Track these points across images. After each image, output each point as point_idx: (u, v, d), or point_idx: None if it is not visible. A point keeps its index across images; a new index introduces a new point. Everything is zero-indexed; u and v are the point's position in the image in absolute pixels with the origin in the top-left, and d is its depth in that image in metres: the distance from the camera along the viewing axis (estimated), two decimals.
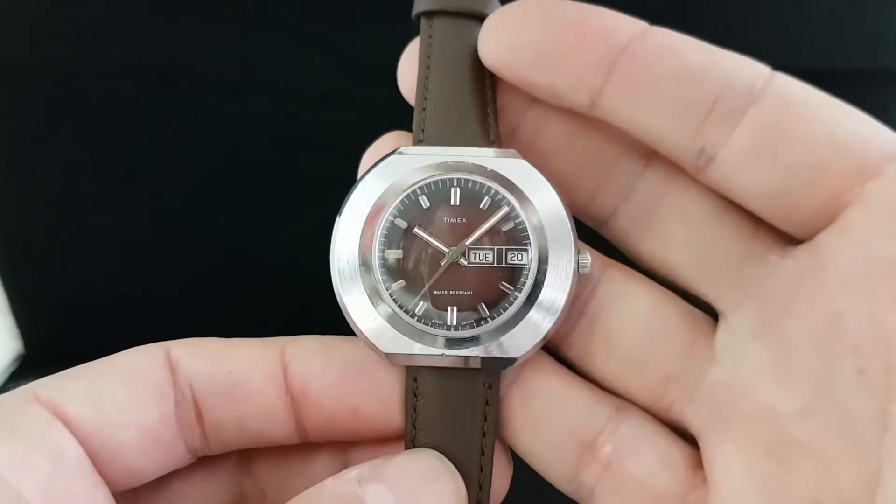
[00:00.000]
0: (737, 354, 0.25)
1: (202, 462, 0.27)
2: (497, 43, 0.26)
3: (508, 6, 0.26)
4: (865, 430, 0.22)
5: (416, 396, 0.26)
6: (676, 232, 0.26)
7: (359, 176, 0.27)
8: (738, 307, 0.25)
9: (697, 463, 0.26)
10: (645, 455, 0.26)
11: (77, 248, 0.46)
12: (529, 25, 0.25)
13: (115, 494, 0.24)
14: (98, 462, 0.24)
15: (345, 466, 0.28)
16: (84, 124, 0.43)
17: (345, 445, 0.28)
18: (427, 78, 0.27)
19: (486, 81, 0.27)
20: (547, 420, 0.26)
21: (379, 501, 0.23)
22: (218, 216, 0.44)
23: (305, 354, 0.26)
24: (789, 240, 0.25)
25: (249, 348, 0.26)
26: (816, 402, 0.23)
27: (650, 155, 0.27)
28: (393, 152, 0.26)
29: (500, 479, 0.27)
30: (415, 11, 0.28)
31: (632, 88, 0.24)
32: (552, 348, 0.27)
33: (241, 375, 0.26)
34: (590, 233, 0.28)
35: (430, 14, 0.28)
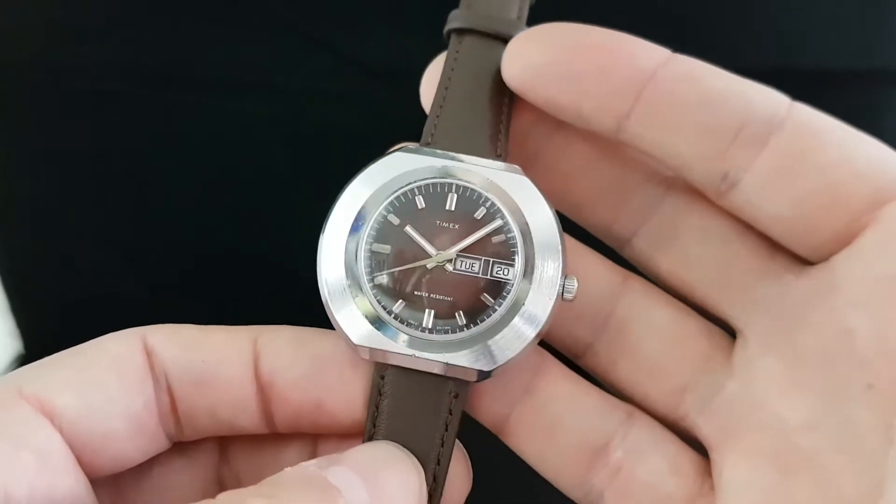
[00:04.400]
0: (750, 367, 0.26)
1: (182, 449, 0.27)
2: (522, 63, 0.26)
3: (534, 28, 0.26)
4: (870, 444, 0.22)
5: (380, 395, 0.26)
6: (696, 251, 0.27)
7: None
8: (753, 323, 0.26)
9: (706, 471, 0.26)
10: (654, 460, 0.26)
11: (77, 248, 0.46)
12: (556, 47, 0.25)
13: (97, 481, 0.25)
14: (84, 451, 0.24)
15: (314, 457, 0.28)
16: (84, 124, 0.43)
17: (314, 437, 0.28)
18: (447, 89, 0.28)
19: (504, 101, 0.27)
20: (560, 425, 0.27)
21: (342, 480, 0.23)
22: (218, 216, 0.44)
23: (276, 345, 0.26)
24: (805, 261, 0.26)
25: (224, 336, 0.26)
26: (823, 414, 0.23)
27: (670, 180, 0.28)
28: (398, 148, 0.27)
29: (461, 483, 0.27)
30: (447, 28, 0.29)
31: (659, 113, 0.25)
32: (576, 355, 0.28)
33: (214, 365, 0.26)
34: (608, 251, 0.29)
35: (461, 31, 0.28)
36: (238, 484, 0.28)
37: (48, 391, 0.24)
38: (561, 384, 0.27)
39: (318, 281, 0.26)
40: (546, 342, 0.26)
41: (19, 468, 0.22)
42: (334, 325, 0.26)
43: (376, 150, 0.29)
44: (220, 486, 0.28)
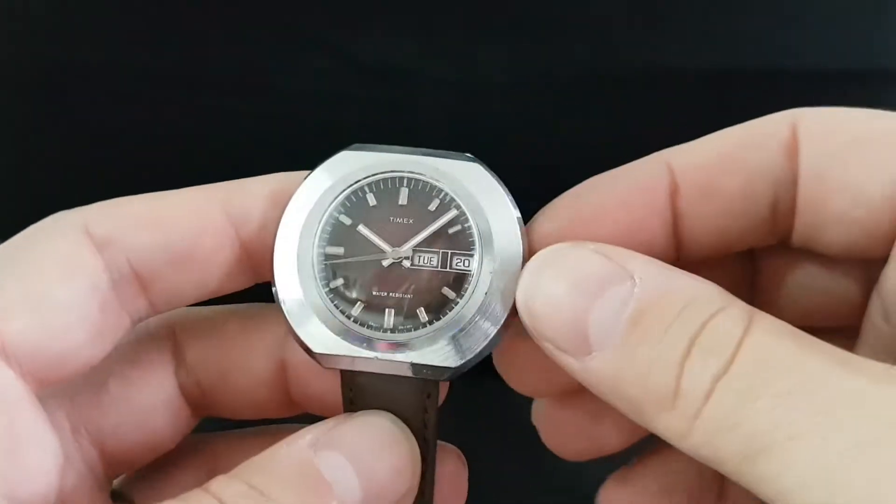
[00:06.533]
0: None
1: (136, 362, 0.27)
2: None
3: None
4: None
5: (352, 405, 0.25)
6: None
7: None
8: None
9: None
10: None
11: None
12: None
13: (52, 401, 0.24)
14: (38, 370, 0.23)
15: (283, 366, 0.27)
16: (84, 124, 0.43)
17: (280, 333, 0.27)
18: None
19: None
20: None
21: (335, 472, 0.22)
22: None
23: (257, 201, 0.25)
24: None
25: (187, 207, 0.25)
26: None
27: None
28: (345, 147, 0.26)
29: (456, 480, 0.27)
30: None
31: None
32: None
33: (185, 241, 0.25)
34: None
35: None
36: (198, 389, 0.28)
37: None
38: None
39: (273, 291, 0.25)
40: None
41: None
42: (293, 336, 0.25)
43: None
44: (183, 392, 0.28)
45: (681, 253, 0.26)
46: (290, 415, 0.29)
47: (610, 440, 0.29)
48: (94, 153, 0.44)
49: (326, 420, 0.24)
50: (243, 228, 0.25)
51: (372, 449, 0.24)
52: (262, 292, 0.27)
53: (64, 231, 0.24)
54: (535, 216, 0.26)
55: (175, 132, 0.43)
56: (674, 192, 0.25)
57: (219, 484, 0.22)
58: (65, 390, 0.26)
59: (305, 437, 0.23)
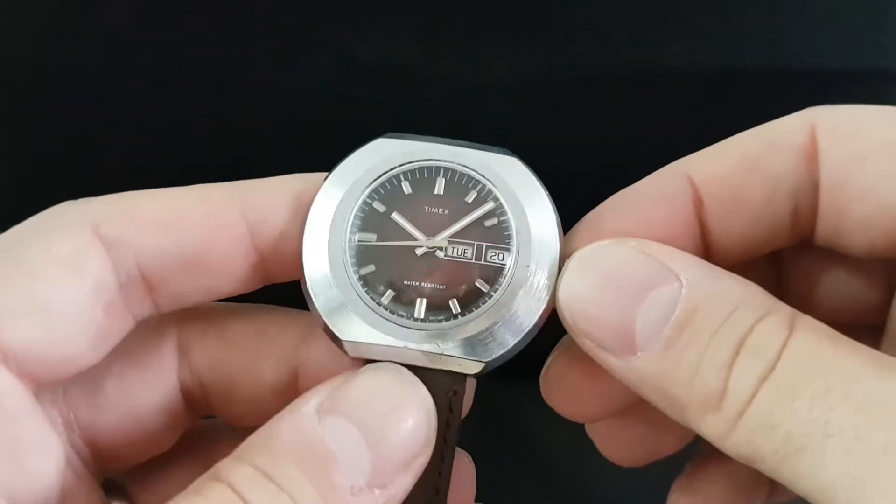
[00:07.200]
0: None
1: (135, 359, 0.26)
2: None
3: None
4: None
5: None
6: None
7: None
8: None
9: None
10: None
11: None
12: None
13: (48, 398, 0.24)
14: (39, 372, 0.23)
15: (295, 375, 0.27)
16: (84, 125, 0.43)
17: (298, 351, 0.27)
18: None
19: None
20: None
21: (342, 440, 0.22)
22: None
23: (276, 206, 0.25)
24: None
25: (203, 209, 0.24)
26: None
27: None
28: (380, 135, 0.26)
29: (466, 485, 0.27)
30: None
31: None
32: None
33: (199, 245, 0.24)
34: None
35: None
36: (202, 390, 0.27)
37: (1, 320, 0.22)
38: None
39: (301, 276, 0.25)
40: None
41: None
42: (319, 324, 0.25)
43: None
44: (184, 393, 0.27)
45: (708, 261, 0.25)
46: None
47: (666, 445, 0.29)
48: (94, 153, 0.44)
49: (332, 379, 0.23)
50: (261, 234, 0.25)
51: (380, 411, 0.22)
52: (270, 291, 0.27)
53: (71, 228, 0.24)
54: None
55: (175, 132, 0.43)
56: (698, 206, 0.25)
57: (226, 469, 0.21)
58: (58, 386, 0.25)
59: (310, 403, 0.22)
